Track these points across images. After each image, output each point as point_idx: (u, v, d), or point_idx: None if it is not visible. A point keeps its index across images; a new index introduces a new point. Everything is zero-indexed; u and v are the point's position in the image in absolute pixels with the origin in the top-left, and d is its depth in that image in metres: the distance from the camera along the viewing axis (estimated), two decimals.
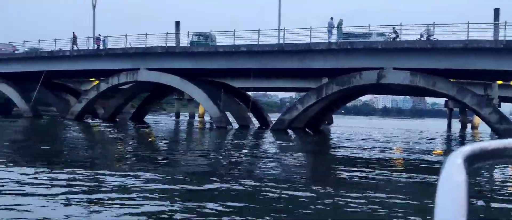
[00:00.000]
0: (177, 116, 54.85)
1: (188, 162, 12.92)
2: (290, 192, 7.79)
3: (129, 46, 32.04)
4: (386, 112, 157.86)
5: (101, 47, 33.15)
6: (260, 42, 27.92)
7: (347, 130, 36.48)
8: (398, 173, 11.97)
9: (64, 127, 28.73)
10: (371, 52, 25.67)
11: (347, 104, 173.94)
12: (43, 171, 9.03)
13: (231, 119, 32.93)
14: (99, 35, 33.92)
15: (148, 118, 45.69)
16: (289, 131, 28.93)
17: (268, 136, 25.51)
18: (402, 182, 10.34)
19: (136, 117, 40.60)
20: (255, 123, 36.72)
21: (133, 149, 16.61)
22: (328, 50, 26.49)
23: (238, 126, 33.23)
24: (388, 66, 25.29)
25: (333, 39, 26.73)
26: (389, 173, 11.81)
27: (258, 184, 8.63)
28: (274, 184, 8.55)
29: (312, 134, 29.25)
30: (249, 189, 8.14)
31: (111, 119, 36.75)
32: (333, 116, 61.63)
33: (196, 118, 54.49)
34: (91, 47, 33.81)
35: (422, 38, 25.28)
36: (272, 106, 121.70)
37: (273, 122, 30.15)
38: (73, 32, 34.83)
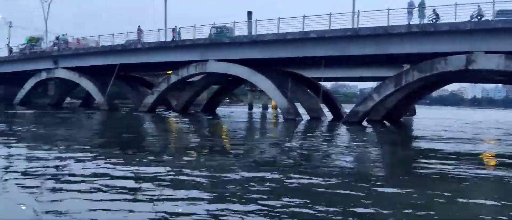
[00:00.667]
0: (250, 107, 54.09)
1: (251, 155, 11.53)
2: (372, 188, 7.32)
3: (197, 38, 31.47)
4: (475, 102, 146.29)
5: (176, 38, 32.38)
6: (331, 28, 25.89)
7: (430, 122, 33.30)
8: (487, 170, 10.63)
9: (135, 118, 28.88)
10: (458, 34, 22.65)
11: (433, 94, 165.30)
12: (128, 163, 9.34)
13: (301, 110, 31.26)
14: (175, 26, 33.10)
15: (220, 110, 45.41)
16: (364, 123, 26.71)
17: (339, 128, 23.51)
18: (492, 180, 9.08)
19: (207, 108, 40.34)
20: (328, 115, 34.73)
21: (197, 140, 15.64)
22: (408, 34, 23.80)
23: (309, 118, 31.47)
24: (478, 50, 22.15)
25: (414, 21, 24.00)
26: (477, 168, 10.37)
27: (330, 179, 8.06)
28: (347, 180, 8.20)
29: (391, 126, 26.71)
30: (324, 183, 7.65)
31: (183, 110, 36.72)
32: (416, 107, 57.83)
33: (270, 110, 53.23)
34: (162, 39, 33.53)
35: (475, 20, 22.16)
36: (350, 97, 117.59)
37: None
38: (138, 26, 35.16)
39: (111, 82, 36.13)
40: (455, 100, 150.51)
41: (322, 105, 35.45)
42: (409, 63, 27.12)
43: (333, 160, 11.36)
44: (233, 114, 40.05)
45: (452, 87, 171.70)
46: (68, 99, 52.72)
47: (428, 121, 35.78)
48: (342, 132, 21.62)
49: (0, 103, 40.59)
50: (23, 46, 42.61)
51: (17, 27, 68.50)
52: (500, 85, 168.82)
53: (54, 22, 58.12)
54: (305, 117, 30.88)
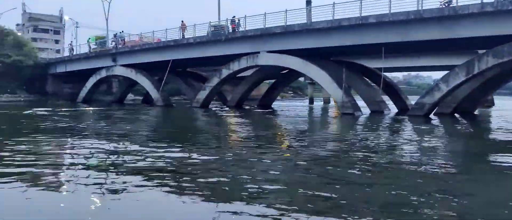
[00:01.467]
0: (311, 101, 51.89)
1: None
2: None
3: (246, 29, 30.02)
4: None
5: (237, 30, 30.67)
6: (392, 11, 23.30)
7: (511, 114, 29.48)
8: None
9: (185, 114, 28.12)
10: None
11: None
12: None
13: (362, 103, 28.86)
14: (234, 16, 31.43)
15: (279, 104, 43.80)
16: (432, 116, 23.92)
17: (402, 123, 21.03)
18: None
19: (263, 103, 38.94)
20: (393, 108, 31.94)
21: (240, 134, 14.22)
22: (481, 14, 20.74)
23: (370, 111, 28.98)
24: None
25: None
26: None
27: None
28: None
29: (463, 120, 23.66)
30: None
31: (237, 105, 35.58)
32: (494, 97, 52.55)
33: (332, 103, 50.49)
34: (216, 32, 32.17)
35: None
36: (424, 89, 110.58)
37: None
38: (182, 21, 34.45)
39: (164, 79, 35.78)
40: None
41: (386, 98, 32.73)
42: (484, 49, 23.92)
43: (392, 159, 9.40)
44: (290, 108, 38.32)
45: None
46: (131, 96, 53.78)
47: (509, 112, 31.79)
48: (405, 126, 19.16)
49: (66, 101, 41.90)
50: (94, 45, 43.50)
51: (83, 27, 71.43)
52: None
53: (117, 21, 59.46)
54: (366, 111, 28.52)
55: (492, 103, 45.86)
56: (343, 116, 25.21)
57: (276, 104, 43.67)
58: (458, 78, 21.77)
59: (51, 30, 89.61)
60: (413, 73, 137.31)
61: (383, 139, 14.13)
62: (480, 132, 17.49)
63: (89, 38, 44.80)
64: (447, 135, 16.13)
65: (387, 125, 20.50)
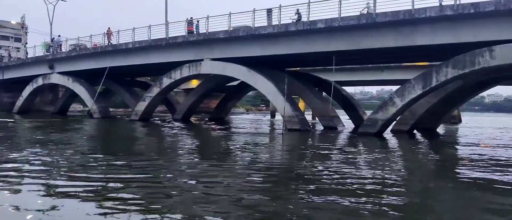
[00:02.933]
0: (273, 115, 49.07)
1: None
2: None
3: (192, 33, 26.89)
4: None
5: (195, 32, 26.71)
6: (342, 15, 20.64)
7: (477, 131, 27.14)
8: None
9: (114, 128, 24.73)
10: (505, 16, 16.98)
11: (486, 100, 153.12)
12: None
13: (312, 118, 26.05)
14: (191, 18, 27.36)
15: (236, 118, 40.81)
16: (387, 135, 21.23)
17: (350, 144, 18.20)
18: None
19: (215, 116, 35.85)
20: (350, 123, 29.27)
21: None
22: (440, 19, 18.25)
23: (322, 127, 26.17)
24: None
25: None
26: None
27: None
28: None
29: (420, 138, 21.04)
30: None
31: (184, 119, 32.32)
32: (463, 113, 50.79)
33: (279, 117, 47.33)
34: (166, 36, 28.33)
35: None
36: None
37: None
38: (109, 28, 31.30)
39: (98, 89, 32.33)
40: (511, 107, 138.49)
41: (343, 113, 30.09)
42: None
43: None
44: (245, 122, 35.31)
45: (507, 92, 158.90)
46: (79, 107, 49.89)
47: (476, 129, 29.54)
48: (344, 146, 16.27)
49: (3, 112, 37.89)
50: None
51: (46, 34, 66.94)
52: None
53: (75, 26, 55.43)
54: (319, 126, 25.76)
55: (459, 120, 43.87)
56: (289, 133, 22.27)
57: (234, 118, 40.69)
58: (414, 92, 19.14)
59: (12, 37, 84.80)
60: (387, 87, 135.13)
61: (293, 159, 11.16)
62: (424, 153, 14.77)
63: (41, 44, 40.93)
64: (379, 155, 13.28)
65: (326, 145, 17.61)
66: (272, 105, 51.45)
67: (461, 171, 10.69)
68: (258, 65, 25.29)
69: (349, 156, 12.92)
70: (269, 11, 24.15)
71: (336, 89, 28.99)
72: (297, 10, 22.42)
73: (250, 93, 58.90)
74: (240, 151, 14.21)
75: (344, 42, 21.18)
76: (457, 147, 17.80)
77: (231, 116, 47.26)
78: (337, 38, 21.35)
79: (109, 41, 30.42)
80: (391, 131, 22.94)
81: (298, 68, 33.83)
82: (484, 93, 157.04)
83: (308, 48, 22.36)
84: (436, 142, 19.90)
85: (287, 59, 25.06)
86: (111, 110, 40.65)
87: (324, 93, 29.44)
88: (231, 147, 15.34)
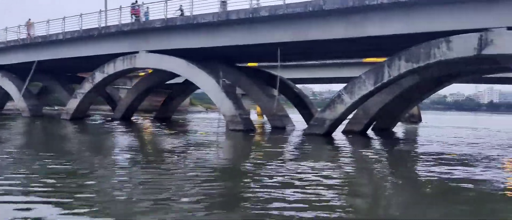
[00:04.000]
0: None
1: None
2: None
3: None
4: (493, 108, 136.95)
5: (143, 19, 23.38)
6: (288, 2, 18.43)
7: (436, 132, 25.52)
8: None
9: (35, 129, 21.71)
10: (463, 2, 15.14)
11: (448, 99, 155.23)
12: None
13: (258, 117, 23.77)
14: (136, 1, 24.07)
15: (189, 116, 38.14)
16: (337, 135, 19.16)
17: (293, 146, 15.98)
18: None
19: (161, 115, 33.09)
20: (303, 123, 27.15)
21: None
22: (393, 5, 16.26)
23: (271, 127, 23.92)
24: (497, 26, 14.54)
25: None
26: None
27: None
28: None
29: (373, 139, 19.08)
30: None
31: (124, 118, 29.43)
32: (423, 112, 49.63)
33: (254, 116, 44.74)
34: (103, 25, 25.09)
35: None
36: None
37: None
38: (29, 19, 28.28)
39: (25, 84, 29.07)
40: (471, 106, 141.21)
41: (295, 111, 27.96)
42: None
43: None
44: (195, 120, 32.73)
45: (469, 91, 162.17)
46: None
47: (431, 130, 27.98)
48: (289, 155, 13.99)
49: None
50: None
51: None
52: None
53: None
54: (267, 126, 23.54)
55: (419, 119, 42.54)
56: (232, 133, 19.91)
57: (187, 117, 38.00)
58: (365, 88, 17.08)
59: None
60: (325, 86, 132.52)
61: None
62: (363, 156, 12.70)
63: None
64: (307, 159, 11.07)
65: (265, 147, 15.32)
66: None
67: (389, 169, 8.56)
68: (204, 60, 22.89)
69: (277, 162, 10.62)
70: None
71: (288, 87, 26.85)
72: (181, 6, 20.77)
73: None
74: (145, 156, 11.67)
75: (290, 33, 18.95)
76: (404, 147, 15.85)
77: (188, 115, 44.52)
78: (282, 29, 19.10)
79: (28, 34, 27.15)
80: (343, 131, 20.90)
81: (256, 64, 31.80)
82: (447, 92, 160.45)
83: (251, 39, 20.01)
84: (386, 143, 17.93)
85: (232, 53, 22.67)
86: (47, 108, 37.30)
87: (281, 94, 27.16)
88: (146, 151, 12.79)
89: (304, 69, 37.64)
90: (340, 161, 11.75)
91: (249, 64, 41.07)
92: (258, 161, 11.23)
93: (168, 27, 22.10)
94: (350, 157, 13.30)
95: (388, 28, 16.64)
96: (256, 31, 19.65)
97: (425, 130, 28.37)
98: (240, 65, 27.43)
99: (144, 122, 29.25)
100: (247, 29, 19.86)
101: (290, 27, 18.87)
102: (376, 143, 17.78)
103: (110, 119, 29.76)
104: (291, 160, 11.79)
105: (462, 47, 14.97)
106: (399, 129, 26.15)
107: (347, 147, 15.87)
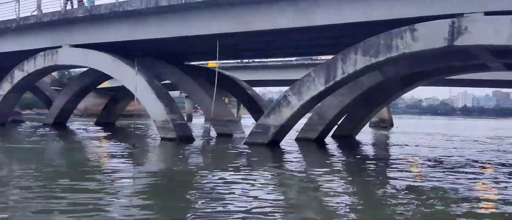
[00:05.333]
0: (190, 118, 43.04)
1: None
2: None
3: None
4: (466, 112, 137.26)
5: (87, 6, 19.36)
6: None
7: (404, 139, 22.78)
8: None
9: None
10: None
11: (423, 104, 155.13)
12: None
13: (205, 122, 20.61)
14: None
15: (128, 121, 34.63)
16: (287, 143, 16.16)
17: (221, 161, 12.87)
18: None
19: (102, 120, 29.57)
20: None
21: None
22: None
23: (216, 134, 20.73)
24: (473, 11, 11.75)
25: None
26: None
27: None
28: None
29: (335, 147, 16.14)
30: None
31: (57, 123, 25.79)
32: (399, 117, 47.12)
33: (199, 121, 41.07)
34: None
35: None
36: None
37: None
38: None
39: None
40: (445, 110, 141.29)
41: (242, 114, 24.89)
42: None
43: None
44: (139, 126, 29.28)
45: (443, 96, 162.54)
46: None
47: (400, 136, 25.31)
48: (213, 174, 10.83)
49: None
50: None
51: None
52: (490, 93, 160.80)
53: None
54: (212, 133, 20.37)
55: (390, 124, 40.01)
56: (163, 143, 16.69)
57: (141, 123, 34.44)
58: (315, 88, 14.07)
59: None
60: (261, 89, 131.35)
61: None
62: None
63: None
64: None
65: (193, 161, 12.16)
66: (187, 106, 45.81)
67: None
68: (143, 57, 19.70)
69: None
70: None
71: (240, 88, 23.79)
72: None
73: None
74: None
75: (231, 22, 15.85)
76: (351, 159, 12.90)
77: (147, 120, 40.89)
78: (222, 18, 15.99)
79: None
80: (296, 139, 17.91)
81: (216, 64, 28.52)
82: (422, 97, 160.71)
83: (186, 30, 16.79)
84: (338, 152, 14.99)
85: (169, 48, 19.45)
86: None
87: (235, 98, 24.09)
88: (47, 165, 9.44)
89: (267, 70, 34.77)
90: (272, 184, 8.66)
91: (210, 64, 38.17)
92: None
93: (93, 17, 18.67)
94: (271, 178, 10.22)
95: (342, 16, 13.70)
96: (192, 21, 16.47)
97: (393, 136, 25.72)
98: (193, 64, 24.30)
99: (79, 128, 25.71)
100: (182, 19, 16.65)
101: (232, 16, 15.80)
102: (325, 154, 14.82)
103: (41, 124, 26.17)
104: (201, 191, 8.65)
105: (430, 37, 12.12)
106: (364, 136, 23.29)
107: (286, 161, 12.79)
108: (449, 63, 15.64)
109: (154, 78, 18.75)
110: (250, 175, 9.30)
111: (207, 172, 9.99)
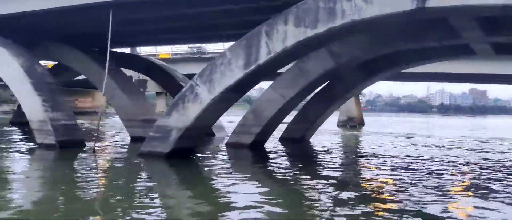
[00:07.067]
0: None
1: None
2: None
3: None
4: (443, 110, 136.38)
5: None
6: None
7: (371, 142, 18.77)
8: None
9: None
10: None
11: (402, 101, 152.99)
12: None
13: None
14: None
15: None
16: (216, 152, 11.87)
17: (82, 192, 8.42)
18: None
19: (17, 119, 24.85)
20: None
21: None
22: None
23: (130, 138, 16.26)
24: None
25: None
26: None
27: None
28: None
29: (273, 155, 11.94)
30: None
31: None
32: (372, 115, 43.31)
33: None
34: None
35: None
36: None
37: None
38: None
39: None
40: (423, 108, 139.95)
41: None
42: None
43: None
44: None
45: (421, 93, 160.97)
46: None
47: (366, 138, 21.33)
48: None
49: None
50: None
51: None
52: (466, 92, 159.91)
53: None
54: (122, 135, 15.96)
55: (360, 123, 36.11)
56: (35, 151, 12.22)
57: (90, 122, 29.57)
58: (232, 73, 9.72)
59: None
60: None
61: None
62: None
63: None
64: None
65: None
66: (159, 104, 40.97)
67: None
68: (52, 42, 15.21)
69: None
70: None
71: (171, 78, 19.43)
72: None
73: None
74: None
75: None
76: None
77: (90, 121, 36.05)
78: None
79: None
80: (226, 144, 13.65)
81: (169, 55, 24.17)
82: (400, 95, 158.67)
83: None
84: (272, 164, 10.76)
85: (60, 26, 14.77)
86: None
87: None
88: None
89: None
90: None
91: (161, 55, 33.54)
92: None
93: None
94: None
95: None
96: None
97: (359, 139, 21.78)
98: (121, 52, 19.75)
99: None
100: None
101: None
102: (246, 170, 10.57)
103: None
104: None
105: None
106: (322, 138, 19.12)
107: (181, 182, 8.49)
108: (422, 43, 11.53)
109: (44, 65, 14.26)
110: None
111: None
